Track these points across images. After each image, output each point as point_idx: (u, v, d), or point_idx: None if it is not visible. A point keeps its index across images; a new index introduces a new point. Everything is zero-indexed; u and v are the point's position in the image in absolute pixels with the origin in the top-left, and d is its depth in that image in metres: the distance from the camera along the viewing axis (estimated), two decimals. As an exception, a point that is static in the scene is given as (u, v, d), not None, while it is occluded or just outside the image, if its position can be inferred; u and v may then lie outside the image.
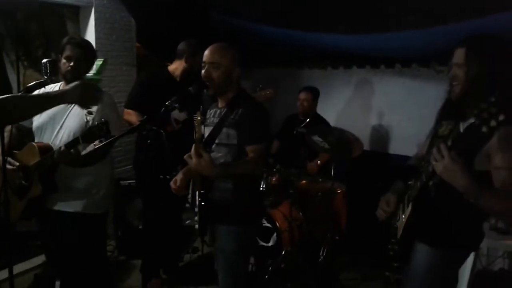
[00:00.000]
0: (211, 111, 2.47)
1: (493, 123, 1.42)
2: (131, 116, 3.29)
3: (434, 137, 2.03)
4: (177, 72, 3.39)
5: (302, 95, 4.21)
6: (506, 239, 2.67)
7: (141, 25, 4.51)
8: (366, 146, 4.74)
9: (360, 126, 4.75)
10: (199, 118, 2.01)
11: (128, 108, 3.36)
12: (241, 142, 2.25)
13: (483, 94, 1.76)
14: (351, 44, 4.06)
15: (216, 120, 2.36)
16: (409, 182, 2.01)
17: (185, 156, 2.09)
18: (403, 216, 1.99)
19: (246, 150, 2.23)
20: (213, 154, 2.27)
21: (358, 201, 3.97)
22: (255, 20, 4.02)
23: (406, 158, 2.45)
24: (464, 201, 1.67)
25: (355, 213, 3.93)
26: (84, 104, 2.31)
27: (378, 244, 4.05)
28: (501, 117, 1.40)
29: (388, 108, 4.94)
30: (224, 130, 2.27)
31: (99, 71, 4.05)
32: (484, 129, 1.44)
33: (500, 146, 1.46)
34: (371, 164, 4.56)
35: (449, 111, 1.95)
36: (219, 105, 2.41)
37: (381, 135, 5.01)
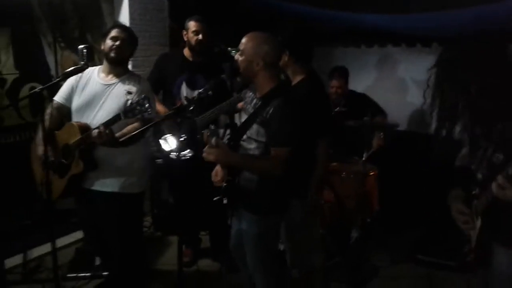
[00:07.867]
0: (250, 94, 2.46)
1: None
2: None
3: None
4: (186, 52, 3.49)
5: (335, 83, 3.95)
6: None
7: (175, 5, 4.51)
8: (403, 126, 4.64)
9: (397, 105, 4.60)
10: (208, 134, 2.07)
11: None
12: (268, 141, 2.27)
13: None
14: (386, 23, 3.96)
15: (251, 110, 2.37)
16: (473, 192, 1.86)
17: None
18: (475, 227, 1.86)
19: (270, 150, 2.25)
20: (244, 145, 2.32)
21: (392, 183, 3.93)
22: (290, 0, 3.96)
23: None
24: None
25: (388, 195, 3.88)
26: None
27: (408, 228, 4.02)
28: None
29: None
30: (255, 126, 2.28)
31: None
32: None
33: None
34: (409, 145, 4.47)
35: None
36: (257, 95, 2.39)
37: (419, 115, 4.84)
